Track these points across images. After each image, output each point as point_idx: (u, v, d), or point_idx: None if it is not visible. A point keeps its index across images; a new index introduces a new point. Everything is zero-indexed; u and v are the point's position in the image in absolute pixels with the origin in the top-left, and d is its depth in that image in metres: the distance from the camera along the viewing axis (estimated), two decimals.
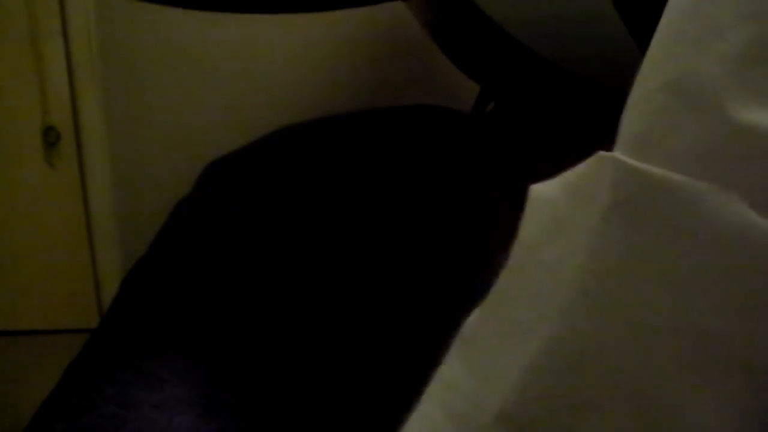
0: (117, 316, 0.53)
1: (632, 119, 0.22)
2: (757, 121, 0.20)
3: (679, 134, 0.21)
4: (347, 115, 0.64)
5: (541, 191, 0.23)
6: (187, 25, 0.85)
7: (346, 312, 0.50)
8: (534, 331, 0.22)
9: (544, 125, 0.50)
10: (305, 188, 0.56)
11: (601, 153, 0.22)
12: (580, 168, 0.22)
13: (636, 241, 0.21)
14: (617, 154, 0.22)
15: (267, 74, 0.86)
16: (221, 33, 0.85)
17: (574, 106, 0.46)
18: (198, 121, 0.88)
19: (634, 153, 0.21)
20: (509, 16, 0.42)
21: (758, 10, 0.21)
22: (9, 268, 0.88)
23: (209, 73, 0.86)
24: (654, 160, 0.21)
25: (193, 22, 0.85)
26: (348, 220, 0.54)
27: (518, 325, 0.22)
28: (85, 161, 0.85)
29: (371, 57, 0.86)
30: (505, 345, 0.23)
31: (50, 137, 0.85)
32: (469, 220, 0.52)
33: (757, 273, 0.19)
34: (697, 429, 0.20)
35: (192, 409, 0.46)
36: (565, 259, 0.21)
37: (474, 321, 0.24)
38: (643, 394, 0.20)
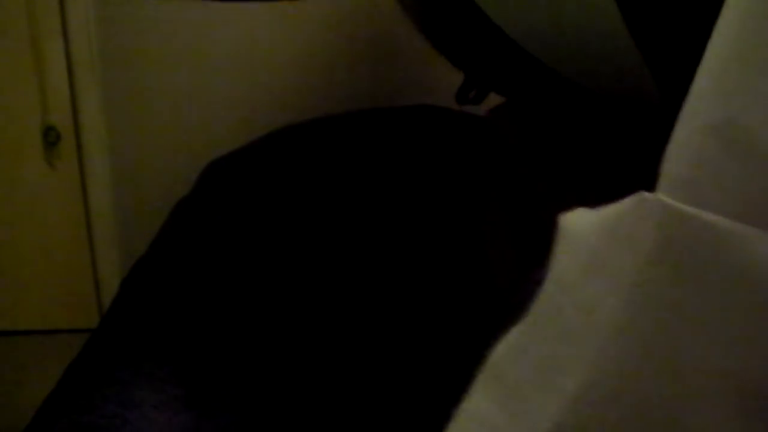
0: (117, 316, 0.53)
1: (676, 160, 0.22)
2: None
3: (724, 178, 0.21)
4: (347, 115, 0.64)
5: (575, 226, 0.23)
6: (188, 25, 0.85)
7: (344, 312, 0.50)
8: (570, 369, 0.22)
9: (545, 127, 0.50)
10: (305, 188, 0.56)
11: (644, 194, 0.22)
12: (620, 207, 0.22)
13: (680, 285, 0.20)
14: (662, 196, 0.22)
15: (267, 74, 0.86)
16: (221, 33, 0.85)
17: (563, 104, 0.46)
18: (198, 120, 0.88)
19: (678, 195, 0.21)
20: (502, 12, 0.42)
21: None
22: (9, 268, 0.88)
23: (209, 73, 0.86)
24: (699, 203, 0.21)
25: (193, 22, 0.85)
26: (348, 220, 0.54)
27: (552, 363, 0.22)
28: (85, 161, 0.85)
29: (371, 57, 0.86)
30: (539, 382, 0.22)
31: (50, 137, 0.85)
32: (466, 221, 0.52)
33: None
34: None
35: (192, 409, 0.46)
36: (604, 299, 0.21)
37: (502, 355, 0.24)
38: None
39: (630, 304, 0.21)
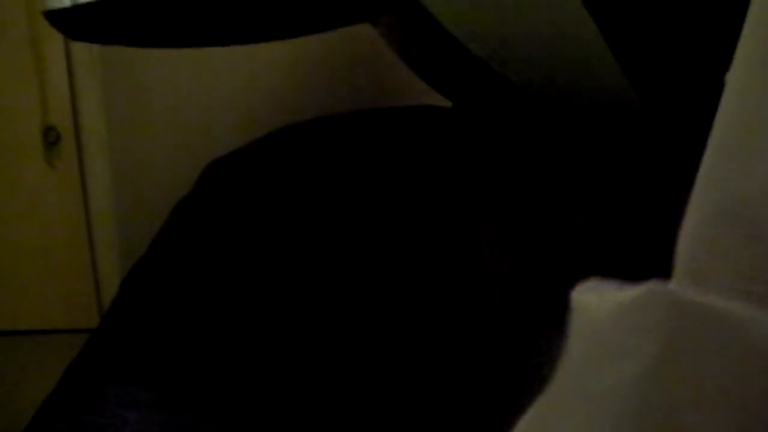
0: (117, 316, 0.53)
1: (687, 247, 0.22)
2: None
3: (733, 263, 0.21)
4: (347, 115, 0.64)
5: (587, 312, 0.23)
6: None
7: (343, 313, 0.50)
8: None
9: (539, 131, 0.50)
10: (306, 188, 0.56)
11: (656, 284, 0.22)
12: (633, 294, 0.22)
13: (691, 371, 0.21)
14: (673, 286, 0.22)
15: (267, 74, 0.86)
16: None
17: (551, 121, 0.46)
18: (198, 121, 0.88)
19: (690, 282, 0.21)
20: (473, 36, 0.42)
21: None
22: (9, 268, 0.88)
23: (209, 74, 0.86)
24: (710, 289, 0.21)
25: None
26: (348, 221, 0.54)
27: None
28: (85, 161, 0.85)
29: (371, 57, 0.86)
30: None
31: (50, 137, 0.85)
32: (464, 223, 0.52)
33: None
34: None
35: (192, 408, 0.46)
36: (617, 385, 0.22)
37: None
38: None
39: (644, 388, 0.21)
